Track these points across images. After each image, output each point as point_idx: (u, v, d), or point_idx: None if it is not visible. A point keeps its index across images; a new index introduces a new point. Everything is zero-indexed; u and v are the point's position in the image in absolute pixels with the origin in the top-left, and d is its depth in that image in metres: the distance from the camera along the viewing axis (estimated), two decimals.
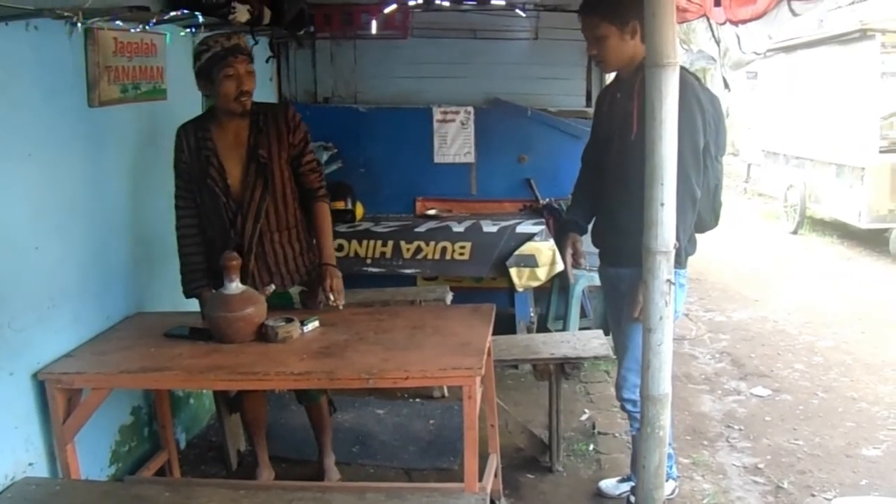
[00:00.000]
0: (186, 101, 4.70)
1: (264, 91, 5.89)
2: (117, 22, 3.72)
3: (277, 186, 3.87)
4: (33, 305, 3.45)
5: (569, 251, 4.00)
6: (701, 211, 3.66)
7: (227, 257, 3.54)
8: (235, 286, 3.54)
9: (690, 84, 3.52)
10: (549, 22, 6.66)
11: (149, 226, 4.42)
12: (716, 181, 3.72)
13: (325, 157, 6.31)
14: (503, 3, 6.47)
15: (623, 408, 4.02)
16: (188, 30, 4.47)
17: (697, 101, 3.52)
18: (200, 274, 3.94)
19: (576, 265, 4.06)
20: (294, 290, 4.05)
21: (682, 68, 3.32)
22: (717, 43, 6.00)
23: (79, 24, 3.22)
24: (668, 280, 3.04)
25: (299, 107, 5.51)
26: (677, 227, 3.14)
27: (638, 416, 3.42)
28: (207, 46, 3.70)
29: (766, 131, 14.57)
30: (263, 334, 3.54)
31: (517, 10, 6.51)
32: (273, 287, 3.77)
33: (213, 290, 3.71)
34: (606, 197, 3.84)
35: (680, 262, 3.49)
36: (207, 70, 3.72)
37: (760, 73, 15.23)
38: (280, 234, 3.92)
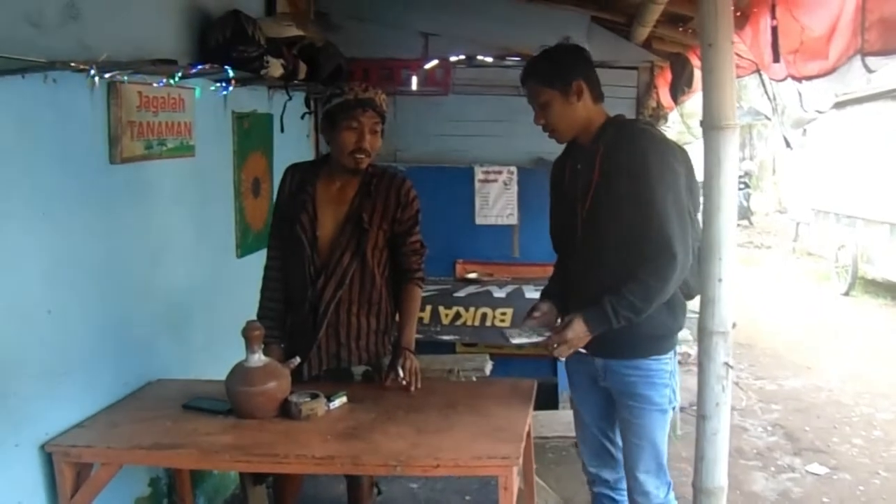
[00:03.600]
0: (216, 158, 4.57)
1: (301, 147, 5.73)
2: (140, 75, 3.54)
3: (369, 257, 3.63)
4: (43, 372, 3.23)
5: (536, 312, 3.54)
6: (688, 278, 3.30)
7: (250, 327, 3.32)
8: (258, 358, 3.31)
9: (663, 139, 3.33)
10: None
11: (173, 288, 4.22)
12: (697, 242, 3.29)
13: None
14: None
15: None
16: (219, 84, 4.29)
17: (675, 158, 3.23)
18: (270, 324, 3.68)
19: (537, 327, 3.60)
20: (357, 369, 3.77)
21: (642, 121, 3.26)
22: (772, 100, 5.71)
23: (96, 78, 3.03)
24: (726, 363, 2.77)
25: None
26: (648, 296, 3.11)
27: None
28: (341, 91, 3.54)
29: (816, 189, 14.27)
30: (287, 410, 3.29)
31: None
32: (298, 360, 3.52)
33: (279, 346, 3.65)
34: (578, 280, 3.43)
35: (671, 343, 3.37)
36: (333, 116, 3.54)
37: (810, 130, 14.94)
38: (360, 306, 3.67)
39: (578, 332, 3.19)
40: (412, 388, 3.58)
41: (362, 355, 3.72)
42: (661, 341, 3.34)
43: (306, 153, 6.28)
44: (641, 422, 3.36)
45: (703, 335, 2.79)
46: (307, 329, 3.65)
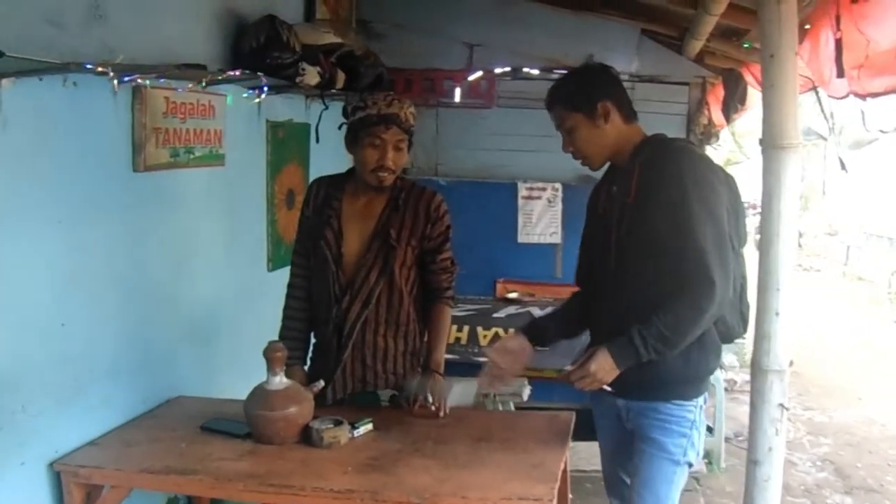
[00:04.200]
0: (248, 168, 4.43)
1: (338, 159, 5.58)
2: (167, 80, 3.39)
3: (397, 275, 3.44)
4: (54, 388, 3.08)
5: (504, 355, 3.32)
6: (726, 316, 3.00)
7: (272, 348, 3.14)
8: (279, 381, 3.13)
9: (703, 157, 3.08)
10: (645, 94, 6.19)
11: (198, 302, 4.08)
12: (741, 278, 3.04)
13: None
14: None
15: None
16: (252, 91, 4.14)
17: (716, 178, 2.94)
18: (293, 345, 3.51)
19: (496, 380, 3.42)
20: (384, 393, 3.58)
21: (682, 140, 3.05)
22: (828, 119, 5.46)
23: (116, 81, 2.88)
24: (782, 404, 2.55)
25: None
26: (680, 327, 2.84)
27: None
28: (364, 105, 3.34)
29: (868, 211, 13.95)
30: (308, 437, 3.11)
31: None
32: (321, 384, 3.33)
33: (302, 368, 3.52)
34: (607, 312, 3.14)
35: (697, 389, 3.05)
36: (355, 131, 3.37)
37: (861, 150, 14.62)
38: (387, 327, 3.48)
39: (603, 364, 2.92)
40: (441, 414, 3.40)
41: (389, 378, 3.54)
42: (687, 385, 3.04)
43: (343, 165, 6.07)
44: (648, 469, 3.08)
45: (757, 373, 2.57)
46: (331, 350, 3.48)
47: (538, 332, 3.41)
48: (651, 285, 2.96)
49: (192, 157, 3.83)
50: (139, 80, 3.13)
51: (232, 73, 3.52)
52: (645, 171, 2.99)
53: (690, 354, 2.95)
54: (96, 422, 3.29)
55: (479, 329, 5.87)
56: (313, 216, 3.53)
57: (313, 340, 3.65)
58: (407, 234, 3.43)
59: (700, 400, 3.04)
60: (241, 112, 4.31)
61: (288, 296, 3.63)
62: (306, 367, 3.59)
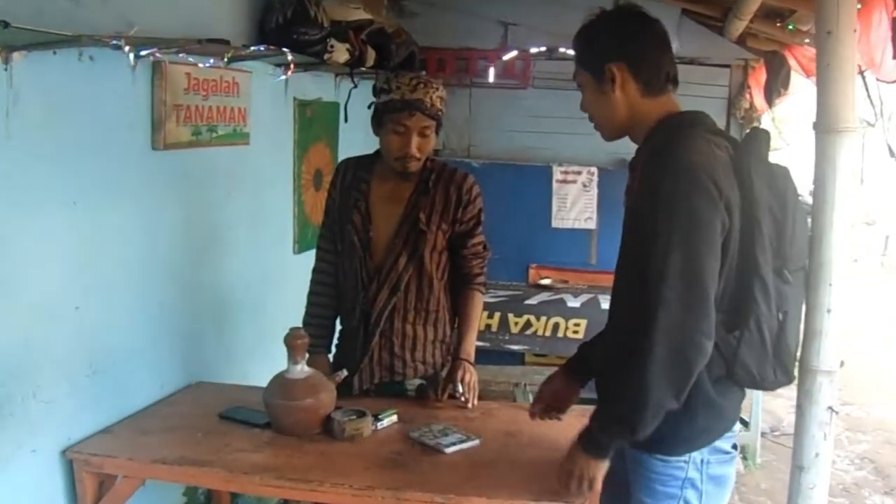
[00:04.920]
0: (274, 147, 4.32)
1: (369, 139, 5.45)
2: (190, 56, 3.26)
3: (427, 261, 3.30)
4: (68, 373, 2.97)
5: (555, 399, 2.91)
6: (749, 362, 2.35)
7: (293, 335, 3.01)
8: (300, 369, 2.99)
9: (698, 163, 2.27)
10: (685, 76, 5.91)
11: (221, 285, 3.97)
12: (781, 311, 2.36)
13: None
14: None
15: None
16: (279, 68, 4.00)
17: (704, 193, 2.23)
18: (317, 332, 3.39)
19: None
20: (412, 382, 3.43)
21: (697, 128, 2.37)
22: (876, 104, 5.27)
23: (131, 56, 2.74)
24: (831, 408, 2.38)
25: None
26: (626, 395, 2.27)
27: None
28: (388, 88, 3.17)
29: None
30: (329, 428, 2.98)
31: None
32: (345, 373, 3.21)
33: (326, 357, 3.39)
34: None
35: (685, 446, 2.41)
36: (379, 115, 3.22)
37: None
38: (416, 314, 3.34)
39: (581, 464, 2.42)
40: (470, 405, 3.28)
41: (418, 367, 3.39)
42: (667, 441, 2.40)
43: (373, 145, 5.97)
44: None
45: (805, 374, 2.40)
46: (358, 339, 3.34)
47: (578, 366, 2.93)
48: (613, 311, 2.56)
49: (214, 135, 3.71)
50: (157, 55, 2.99)
51: (256, 48, 3.37)
52: (648, 163, 2.40)
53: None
54: (111, 408, 3.18)
55: (511, 316, 5.75)
56: (340, 198, 3.40)
57: (339, 328, 3.52)
58: (437, 218, 3.29)
59: (697, 455, 2.42)
60: (268, 90, 4.19)
61: (313, 281, 3.50)
62: (331, 356, 3.47)
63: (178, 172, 3.54)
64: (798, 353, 2.45)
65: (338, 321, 3.51)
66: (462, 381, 3.27)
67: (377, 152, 3.38)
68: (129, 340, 3.31)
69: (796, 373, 2.40)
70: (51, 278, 2.87)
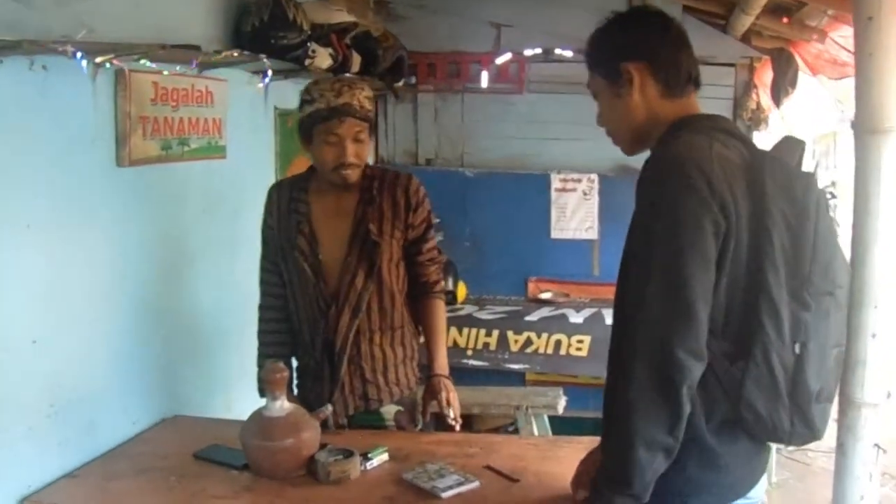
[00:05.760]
0: (253, 160, 4.08)
1: None
2: (142, 62, 2.98)
3: (386, 275, 3.10)
4: (25, 413, 2.72)
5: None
6: (756, 402, 2.01)
7: (271, 369, 2.75)
8: (279, 406, 2.72)
9: (687, 166, 2.00)
10: None
11: (198, 311, 3.73)
12: (799, 342, 2.02)
13: None
14: None
15: None
16: (258, 74, 3.75)
17: (697, 200, 1.96)
18: None
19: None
20: (388, 409, 3.22)
21: (694, 135, 2.08)
22: None
23: (85, 63, 2.48)
24: (877, 445, 2.11)
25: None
26: (616, 430, 2.02)
27: None
28: (311, 98, 2.96)
29: None
30: (313, 470, 2.70)
31: None
32: (330, 408, 2.94)
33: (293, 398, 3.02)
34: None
35: (680, 497, 2.08)
36: (307, 127, 2.99)
37: None
38: (382, 334, 3.14)
39: None
40: (457, 428, 3.09)
41: (393, 391, 3.18)
42: (660, 485, 2.03)
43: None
44: None
45: (848, 407, 2.12)
46: (324, 371, 3.11)
47: None
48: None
49: (186, 149, 3.46)
50: (116, 62, 2.74)
51: (227, 53, 3.12)
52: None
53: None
54: (77, 450, 2.94)
55: (510, 333, 5.50)
56: (279, 226, 3.17)
57: (295, 365, 3.28)
58: (389, 227, 3.09)
59: None
60: (245, 99, 3.95)
61: (261, 319, 3.28)
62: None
63: (146, 190, 3.29)
64: (827, 400, 2.07)
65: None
66: (447, 400, 3.08)
67: (310, 168, 3.18)
68: (94, 374, 3.06)
69: (828, 422, 2.08)
70: (3, 308, 2.62)
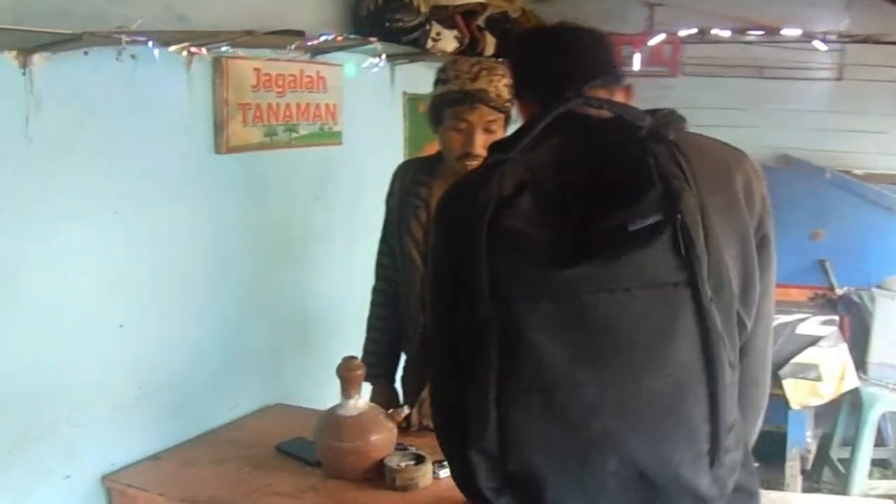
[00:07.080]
0: (376, 146, 3.99)
1: None
2: (224, 48, 2.93)
3: None
4: (110, 395, 2.77)
5: None
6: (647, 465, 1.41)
7: (347, 366, 2.66)
8: (353, 404, 2.64)
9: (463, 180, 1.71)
10: (858, 58, 5.32)
11: (308, 302, 3.72)
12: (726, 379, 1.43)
13: None
14: (798, 32, 5.26)
15: None
16: (375, 59, 3.66)
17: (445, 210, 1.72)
18: (379, 359, 3.03)
19: None
20: None
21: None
22: None
23: (156, 52, 2.47)
24: None
25: None
26: None
27: None
28: (445, 78, 2.74)
29: None
30: (383, 474, 2.60)
31: (816, 42, 5.25)
32: (407, 410, 2.81)
33: (390, 388, 3.03)
34: None
35: None
36: (438, 109, 2.77)
37: None
38: None
39: None
40: None
41: None
42: None
43: None
44: None
45: None
46: (419, 367, 2.96)
47: None
48: None
49: (294, 135, 3.41)
50: (194, 50, 2.71)
51: (326, 35, 3.03)
52: None
53: None
54: (165, 432, 2.98)
55: None
56: (397, 206, 2.97)
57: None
58: None
59: None
60: (367, 84, 3.86)
61: (372, 302, 3.11)
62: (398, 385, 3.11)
63: (247, 177, 3.26)
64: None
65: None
66: None
67: (440, 152, 2.93)
68: (187, 360, 3.08)
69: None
70: (89, 292, 2.68)
